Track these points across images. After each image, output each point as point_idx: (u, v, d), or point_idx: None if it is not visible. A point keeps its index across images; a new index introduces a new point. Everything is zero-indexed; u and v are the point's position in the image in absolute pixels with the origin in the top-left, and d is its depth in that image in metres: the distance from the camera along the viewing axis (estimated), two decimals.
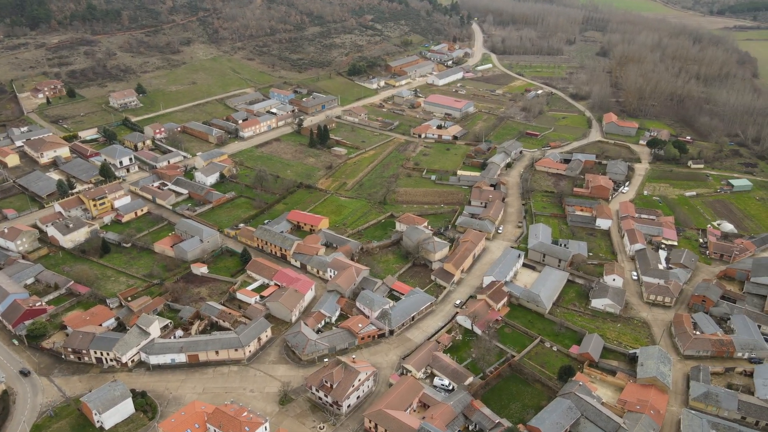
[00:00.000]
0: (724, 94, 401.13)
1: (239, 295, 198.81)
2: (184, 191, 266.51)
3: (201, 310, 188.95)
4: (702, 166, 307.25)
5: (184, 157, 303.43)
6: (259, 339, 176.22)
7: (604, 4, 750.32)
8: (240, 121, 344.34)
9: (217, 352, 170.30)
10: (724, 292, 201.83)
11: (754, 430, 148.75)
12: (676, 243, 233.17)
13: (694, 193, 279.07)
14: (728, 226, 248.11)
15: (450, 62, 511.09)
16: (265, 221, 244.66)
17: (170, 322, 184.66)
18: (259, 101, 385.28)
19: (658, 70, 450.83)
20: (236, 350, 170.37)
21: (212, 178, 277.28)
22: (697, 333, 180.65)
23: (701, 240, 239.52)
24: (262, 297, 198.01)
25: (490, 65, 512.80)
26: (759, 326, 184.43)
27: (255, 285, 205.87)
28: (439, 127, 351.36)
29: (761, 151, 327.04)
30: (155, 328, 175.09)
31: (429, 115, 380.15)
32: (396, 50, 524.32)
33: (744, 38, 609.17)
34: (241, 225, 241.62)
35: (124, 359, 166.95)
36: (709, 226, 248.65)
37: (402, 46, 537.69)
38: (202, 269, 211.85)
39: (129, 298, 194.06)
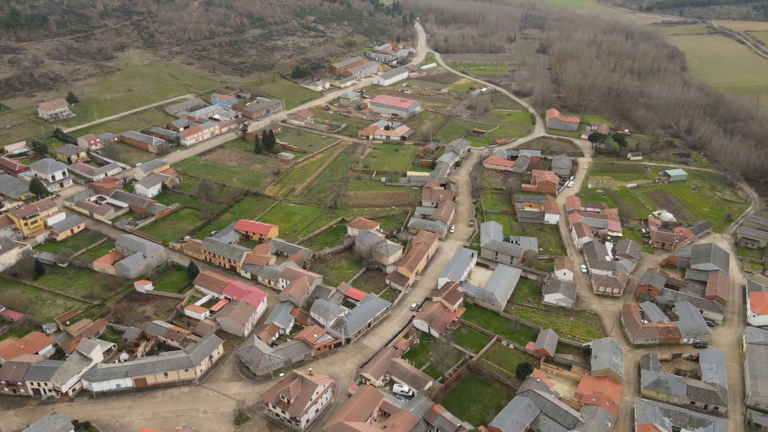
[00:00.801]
0: (656, 88, 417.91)
1: (187, 312, 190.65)
2: (124, 205, 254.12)
3: (147, 330, 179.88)
4: (640, 157, 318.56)
5: (123, 168, 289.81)
6: (211, 357, 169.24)
7: (542, 2, 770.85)
8: (181, 129, 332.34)
9: (166, 374, 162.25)
10: (668, 280, 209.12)
11: (703, 413, 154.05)
12: (620, 234, 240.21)
13: (634, 184, 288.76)
14: (668, 216, 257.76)
15: (394, 62, 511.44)
16: (212, 232, 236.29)
17: (114, 345, 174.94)
18: (200, 107, 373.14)
19: (595, 65, 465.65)
20: (186, 370, 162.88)
21: (154, 190, 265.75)
22: (645, 322, 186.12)
23: (643, 230, 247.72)
24: (211, 312, 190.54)
25: (434, 64, 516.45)
26: (701, 311, 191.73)
27: (204, 300, 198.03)
28: (387, 127, 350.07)
29: (693, 142, 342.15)
30: (97, 353, 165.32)
31: (376, 116, 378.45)
32: (340, 51, 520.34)
33: (672, 33, 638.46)
34: (187, 237, 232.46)
35: (64, 389, 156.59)
36: (650, 216, 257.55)
37: (346, 47, 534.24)
38: (146, 286, 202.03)
39: (67, 322, 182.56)
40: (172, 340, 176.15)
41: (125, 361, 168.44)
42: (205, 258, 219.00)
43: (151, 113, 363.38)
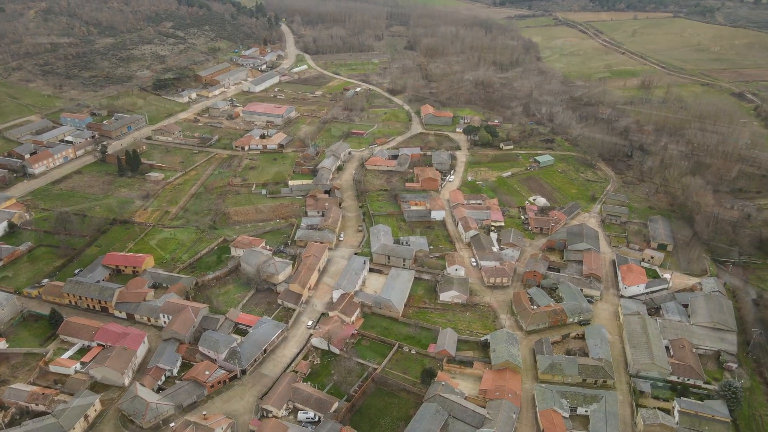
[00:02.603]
0: (518, 79, 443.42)
1: (53, 368, 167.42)
2: None
3: (3, 398, 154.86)
4: (512, 147, 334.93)
5: None
6: (86, 416, 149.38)
7: (404, 0, 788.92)
8: (27, 156, 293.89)
9: None
10: (550, 264, 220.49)
11: (594, 389, 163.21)
12: (503, 224, 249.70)
13: (509, 173, 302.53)
14: (542, 201, 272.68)
15: (264, 66, 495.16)
16: (76, 271, 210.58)
17: None
18: (48, 130, 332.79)
19: (460, 59, 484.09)
20: None
21: None
22: (535, 307, 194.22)
23: (522, 217, 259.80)
24: (83, 364, 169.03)
25: (305, 66, 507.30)
26: (581, 290, 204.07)
27: (72, 351, 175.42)
28: (263, 136, 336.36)
29: (555, 128, 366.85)
30: None
31: (250, 125, 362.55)
32: (204, 58, 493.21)
33: (524, 26, 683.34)
34: (45, 281, 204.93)
35: None
36: (526, 203, 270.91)
37: (210, 53, 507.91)
38: None
39: None
40: (36, 405, 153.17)
41: None
42: (70, 302, 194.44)
43: None
